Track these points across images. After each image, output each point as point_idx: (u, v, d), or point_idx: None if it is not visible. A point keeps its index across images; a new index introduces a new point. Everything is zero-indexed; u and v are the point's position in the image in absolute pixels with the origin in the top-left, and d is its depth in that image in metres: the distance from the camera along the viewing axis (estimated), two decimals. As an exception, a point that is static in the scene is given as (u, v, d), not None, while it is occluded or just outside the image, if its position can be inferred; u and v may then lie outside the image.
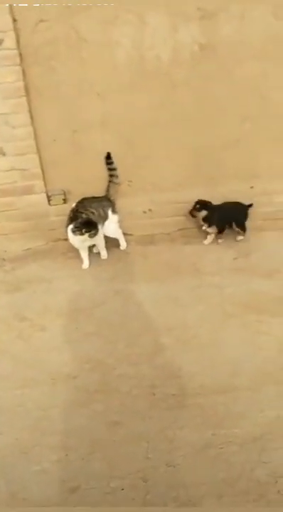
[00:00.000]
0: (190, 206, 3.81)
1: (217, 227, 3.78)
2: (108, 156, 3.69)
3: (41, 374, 2.78)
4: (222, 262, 3.63)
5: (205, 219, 3.76)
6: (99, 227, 3.56)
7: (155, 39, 3.41)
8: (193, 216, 3.81)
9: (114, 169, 3.73)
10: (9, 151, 3.53)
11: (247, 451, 2.29)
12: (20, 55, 3.31)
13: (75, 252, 3.72)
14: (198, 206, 3.75)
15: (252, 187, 3.85)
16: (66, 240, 3.74)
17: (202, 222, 3.79)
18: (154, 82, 3.53)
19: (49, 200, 3.76)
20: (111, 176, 3.75)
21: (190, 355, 2.86)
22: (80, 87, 3.48)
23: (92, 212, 3.57)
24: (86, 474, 2.25)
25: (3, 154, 3.53)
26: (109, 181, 3.76)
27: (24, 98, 3.41)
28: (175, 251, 3.81)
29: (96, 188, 3.75)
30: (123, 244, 3.84)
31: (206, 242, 3.84)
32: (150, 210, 3.92)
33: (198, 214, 3.77)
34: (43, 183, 3.69)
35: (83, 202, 3.62)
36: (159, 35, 3.39)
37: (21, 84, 3.37)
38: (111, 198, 3.75)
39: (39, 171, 3.64)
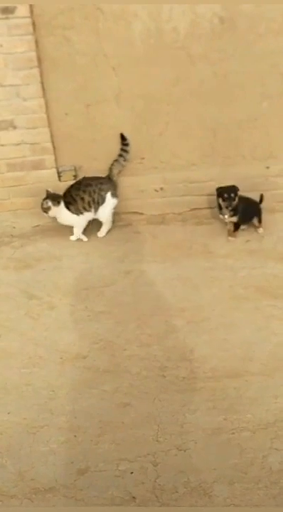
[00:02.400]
0: (202, 186, 3.72)
1: (242, 221, 3.62)
2: (123, 137, 3.59)
3: (50, 353, 2.73)
4: (234, 244, 3.57)
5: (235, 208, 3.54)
6: (89, 211, 3.54)
7: (173, 11, 3.29)
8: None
9: (126, 151, 3.62)
10: (20, 124, 3.44)
11: (260, 438, 2.25)
12: (34, 24, 3.19)
13: (85, 229, 3.65)
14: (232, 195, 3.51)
15: (267, 167, 3.75)
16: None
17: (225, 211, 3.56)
18: (171, 56, 3.42)
19: (59, 176, 3.67)
20: (120, 155, 3.63)
21: (202, 337, 2.80)
22: (95, 60, 3.37)
23: (82, 198, 3.50)
24: (95, 456, 2.21)
25: (14, 127, 3.44)
26: (115, 160, 3.63)
27: (36, 69, 3.30)
28: (187, 231, 3.74)
29: (107, 164, 3.67)
30: (102, 232, 3.69)
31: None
32: (162, 188, 3.83)
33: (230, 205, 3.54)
34: (53, 158, 3.60)
35: (80, 184, 3.54)
36: (178, 7, 3.27)
37: (33, 54, 3.26)
38: (114, 179, 3.63)
39: (50, 145, 3.55)
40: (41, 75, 3.34)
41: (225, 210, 3.54)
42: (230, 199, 3.50)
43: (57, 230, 3.68)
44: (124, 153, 3.62)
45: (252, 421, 2.32)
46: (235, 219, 3.58)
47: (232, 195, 3.50)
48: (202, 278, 3.26)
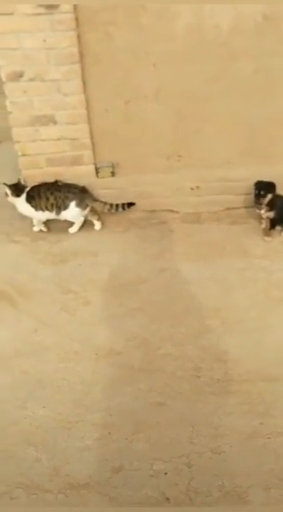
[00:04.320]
0: (239, 184, 3.68)
1: (279, 220, 3.58)
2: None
3: (85, 348, 2.75)
4: (270, 245, 3.52)
5: (269, 203, 3.55)
6: (49, 212, 3.59)
7: (216, 7, 3.25)
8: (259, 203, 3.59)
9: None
10: (60, 120, 3.45)
11: (296, 444, 2.22)
12: (77, 19, 3.19)
13: (121, 226, 3.66)
14: (262, 192, 3.53)
15: (307, 166, 3.69)
16: (112, 213, 3.69)
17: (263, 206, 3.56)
18: (212, 52, 3.39)
19: (97, 173, 3.68)
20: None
21: (237, 339, 2.78)
22: (136, 56, 3.36)
23: (47, 199, 3.55)
24: (129, 455, 2.21)
25: (54, 123, 3.46)
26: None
27: (78, 65, 3.31)
28: (222, 231, 3.70)
29: (144, 161, 3.66)
30: (73, 229, 3.70)
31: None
32: (198, 187, 3.81)
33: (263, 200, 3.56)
34: (92, 153, 3.60)
35: (52, 185, 3.59)
36: (221, 4, 3.23)
37: (75, 50, 3.26)
38: (88, 193, 3.64)
39: (89, 141, 3.55)
40: (82, 71, 3.34)
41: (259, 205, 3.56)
42: (259, 196, 3.52)
43: (93, 225, 3.70)
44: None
45: (289, 426, 2.30)
46: (271, 214, 3.55)
47: (262, 192, 3.52)
48: (236, 279, 3.23)
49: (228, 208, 3.86)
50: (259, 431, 2.28)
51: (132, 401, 2.46)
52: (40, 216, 3.63)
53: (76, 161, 3.61)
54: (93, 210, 3.67)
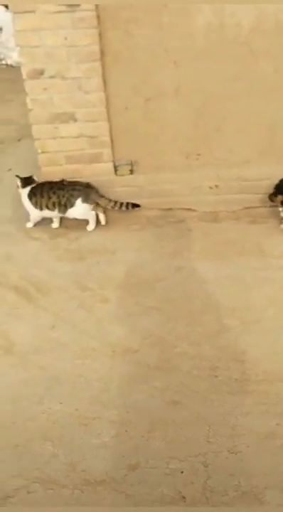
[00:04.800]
0: (257, 184, 3.66)
1: None
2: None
3: (102, 345, 2.76)
4: (289, 245, 3.49)
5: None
6: (51, 211, 3.62)
7: (237, 6, 3.23)
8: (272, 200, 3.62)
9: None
10: (80, 117, 3.47)
11: None
12: (98, 17, 3.20)
13: (138, 224, 3.67)
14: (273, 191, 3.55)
15: None
16: (130, 212, 3.70)
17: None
18: (232, 51, 3.37)
19: (116, 170, 3.69)
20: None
21: (254, 338, 2.76)
22: (156, 54, 3.36)
23: (49, 198, 3.56)
24: (145, 452, 2.21)
25: (74, 120, 3.47)
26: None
27: (98, 62, 3.32)
28: (240, 230, 3.68)
29: (163, 160, 3.66)
30: (90, 227, 3.71)
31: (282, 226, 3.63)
32: (216, 186, 3.79)
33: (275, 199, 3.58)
34: (111, 152, 3.61)
35: (56, 184, 3.60)
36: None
37: (96, 47, 3.27)
38: (94, 187, 3.64)
39: (108, 139, 3.56)
40: (103, 69, 3.35)
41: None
42: (271, 194, 3.55)
43: (111, 222, 3.71)
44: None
45: (306, 428, 2.28)
46: None
47: (274, 190, 3.54)
48: (254, 278, 3.20)
49: (247, 208, 3.83)
50: (276, 431, 2.26)
51: (148, 399, 2.46)
52: (37, 214, 3.66)
53: (95, 159, 3.61)
54: (98, 206, 3.67)
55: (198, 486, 2.08)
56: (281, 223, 3.61)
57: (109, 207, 3.67)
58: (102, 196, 3.64)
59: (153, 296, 3.11)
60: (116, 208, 3.67)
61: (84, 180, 3.63)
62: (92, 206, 3.63)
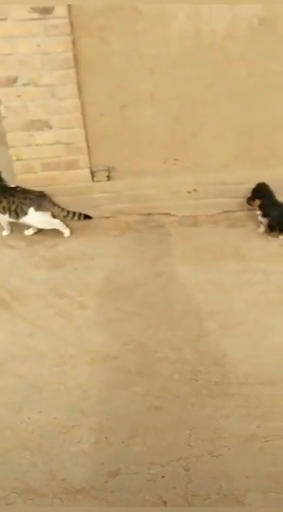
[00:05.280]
0: (236, 188, 3.68)
1: (277, 226, 3.57)
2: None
3: (81, 352, 2.72)
4: (268, 248, 3.51)
5: (260, 207, 3.59)
6: (3, 214, 3.62)
7: (213, 12, 3.25)
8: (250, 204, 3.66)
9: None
10: (55, 124, 3.45)
11: (294, 446, 2.19)
12: (71, 24, 3.20)
13: (118, 230, 3.65)
14: (251, 194, 3.60)
15: (303, 170, 3.69)
16: (108, 217, 3.69)
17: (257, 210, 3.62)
18: (208, 57, 3.40)
19: (93, 177, 3.68)
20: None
21: (235, 341, 2.75)
22: (131, 61, 3.37)
23: (0, 201, 3.56)
24: (126, 459, 2.18)
25: (49, 127, 3.46)
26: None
27: (72, 69, 3.31)
28: (219, 234, 3.70)
29: (141, 165, 3.65)
30: (66, 232, 3.72)
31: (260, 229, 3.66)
32: (195, 190, 3.80)
33: (252, 203, 3.62)
34: (87, 158, 3.60)
35: (9, 190, 3.60)
36: (217, 8, 3.23)
37: (70, 55, 3.27)
38: (48, 197, 3.64)
39: (84, 145, 3.56)
40: (77, 76, 3.35)
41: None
42: (249, 198, 3.62)
43: (90, 229, 3.69)
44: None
45: (287, 429, 2.27)
46: (264, 220, 3.57)
47: (252, 194, 3.58)
48: (234, 281, 3.21)
49: (225, 211, 3.85)
50: (257, 434, 2.25)
51: (129, 405, 2.43)
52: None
53: (71, 166, 3.60)
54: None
55: (180, 490, 2.05)
56: (258, 227, 3.63)
57: (61, 216, 3.66)
58: (56, 205, 3.64)
59: (133, 301, 3.09)
60: (69, 218, 3.66)
61: (61, 187, 3.62)
62: (48, 214, 3.61)
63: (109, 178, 3.69)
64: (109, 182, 3.69)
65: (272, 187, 3.55)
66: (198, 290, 3.14)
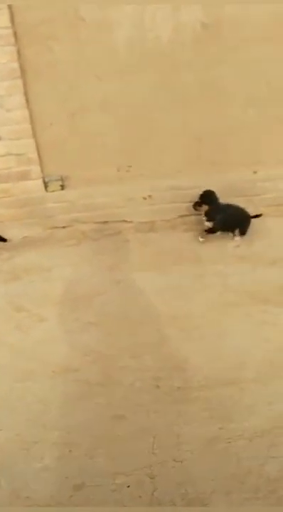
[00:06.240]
0: (190, 192, 3.71)
1: (220, 229, 3.64)
2: None
3: (41, 366, 2.69)
4: (224, 250, 3.55)
5: (206, 213, 3.63)
6: None
7: (156, 18, 3.27)
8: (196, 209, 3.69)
9: None
10: (4, 135, 3.40)
11: (256, 446, 2.22)
12: (15, 34, 3.16)
13: (74, 239, 3.63)
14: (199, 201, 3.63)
15: (255, 172, 3.75)
16: (64, 227, 3.67)
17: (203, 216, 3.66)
18: (155, 63, 3.41)
19: (46, 187, 3.64)
20: None
21: (195, 345, 2.78)
22: (78, 69, 3.35)
23: None
24: (90, 471, 2.17)
25: (-1, 139, 3.41)
26: None
27: (19, 80, 3.27)
28: (176, 238, 3.72)
29: (94, 173, 3.64)
30: None
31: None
32: (150, 196, 3.81)
33: (199, 208, 3.65)
34: (39, 168, 3.56)
35: None
36: (160, 14, 3.25)
37: (16, 65, 3.23)
38: None
39: (35, 155, 3.51)
40: (25, 85, 3.31)
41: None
42: (196, 203, 3.65)
43: (46, 240, 3.66)
44: None
45: (248, 429, 2.30)
46: (209, 224, 3.62)
47: (199, 199, 3.62)
48: (192, 285, 3.24)
49: (181, 216, 3.87)
50: (219, 436, 2.27)
51: (91, 416, 2.42)
52: None
53: (23, 177, 3.55)
54: None
55: (145, 498, 2.05)
56: (200, 235, 3.68)
57: None
58: None
59: (92, 311, 3.07)
60: None
61: (14, 198, 3.58)
62: None
63: (62, 187, 3.65)
64: (62, 191, 3.66)
65: (224, 191, 3.59)
66: (156, 296, 3.15)
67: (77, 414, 2.43)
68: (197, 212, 3.69)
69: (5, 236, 3.66)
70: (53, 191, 3.64)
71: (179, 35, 3.34)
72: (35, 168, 3.55)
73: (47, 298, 3.16)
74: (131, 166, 3.73)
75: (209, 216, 3.61)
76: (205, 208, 3.62)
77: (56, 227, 3.68)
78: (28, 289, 3.24)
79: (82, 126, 3.52)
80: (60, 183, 3.65)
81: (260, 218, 3.68)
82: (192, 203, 3.68)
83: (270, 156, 3.71)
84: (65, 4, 3.17)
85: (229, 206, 3.62)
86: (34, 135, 3.45)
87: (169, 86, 3.49)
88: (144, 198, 3.80)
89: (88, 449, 2.26)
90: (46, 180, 3.62)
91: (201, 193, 3.61)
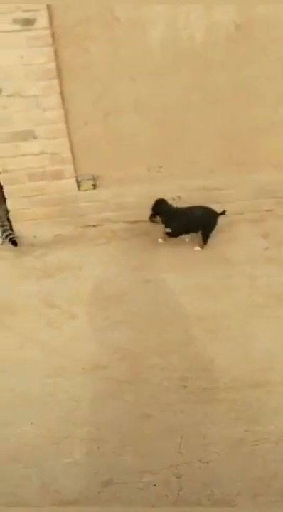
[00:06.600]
0: (219, 193, 3.72)
1: (179, 233, 3.66)
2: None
3: (72, 363, 2.76)
4: (252, 252, 3.55)
5: (163, 221, 3.62)
6: None
7: (189, 18, 3.29)
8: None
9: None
10: (40, 135, 3.46)
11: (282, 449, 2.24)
12: (53, 35, 3.21)
13: (104, 238, 3.68)
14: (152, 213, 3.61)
15: (286, 174, 3.74)
16: (95, 226, 3.72)
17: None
18: (188, 63, 3.41)
19: (78, 186, 3.69)
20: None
21: (222, 346, 2.80)
22: (113, 69, 3.38)
23: None
24: (118, 468, 2.22)
25: (34, 137, 3.46)
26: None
27: (55, 80, 3.32)
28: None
29: (126, 173, 3.68)
30: None
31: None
32: (179, 196, 3.83)
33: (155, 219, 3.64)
34: (72, 167, 3.61)
35: None
36: (194, 15, 3.26)
37: (53, 65, 3.27)
38: None
39: (69, 155, 3.56)
40: (60, 86, 3.36)
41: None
42: (151, 216, 3.61)
43: (77, 238, 3.71)
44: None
45: (275, 432, 2.32)
46: (168, 230, 3.63)
47: (152, 211, 3.59)
48: (220, 286, 3.25)
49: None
50: (245, 438, 2.30)
51: (119, 414, 2.47)
52: None
53: (57, 176, 3.61)
54: None
55: (172, 498, 2.10)
56: (160, 237, 3.69)
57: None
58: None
59: (122, 309, 3.12)
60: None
61: (48, 197, 3.64)
62: None
63: (94, 186, 3.71)
64: (94, 191, 3.71)
65: (254, 192, 3.60)
66: (184, 296, 3.19)
67: (106, 411, 2.49)
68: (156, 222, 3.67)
69: (37, 235, 3.74)
70: (86, 190, 3.70)
71: (212, 35, 3.35)
72: (69, 168, 3.60)
73: (78, 296, 3.22)
74: (161, 167, 3.76)
75: (166, 224, 3.60)
76: (159, 218, 3.60)
77: (87, 226, 3.74)
78: (59, 287, 3.31)
79: (115, 126, 3.55)
80: (92, 182, 3.69)
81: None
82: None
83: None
84: (100, 4, 3.21)
85: (189, 209, 3.60)
86: (68, 135, 3.50)
87: (202, 86, 3.50)
88: (174, 199, 3.82)
89: (116, 447, 2.31)
90: (79, 179, 3.68)
91: (153, 203, 3.59)
